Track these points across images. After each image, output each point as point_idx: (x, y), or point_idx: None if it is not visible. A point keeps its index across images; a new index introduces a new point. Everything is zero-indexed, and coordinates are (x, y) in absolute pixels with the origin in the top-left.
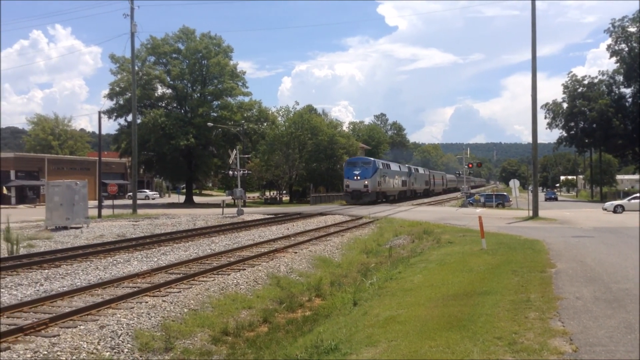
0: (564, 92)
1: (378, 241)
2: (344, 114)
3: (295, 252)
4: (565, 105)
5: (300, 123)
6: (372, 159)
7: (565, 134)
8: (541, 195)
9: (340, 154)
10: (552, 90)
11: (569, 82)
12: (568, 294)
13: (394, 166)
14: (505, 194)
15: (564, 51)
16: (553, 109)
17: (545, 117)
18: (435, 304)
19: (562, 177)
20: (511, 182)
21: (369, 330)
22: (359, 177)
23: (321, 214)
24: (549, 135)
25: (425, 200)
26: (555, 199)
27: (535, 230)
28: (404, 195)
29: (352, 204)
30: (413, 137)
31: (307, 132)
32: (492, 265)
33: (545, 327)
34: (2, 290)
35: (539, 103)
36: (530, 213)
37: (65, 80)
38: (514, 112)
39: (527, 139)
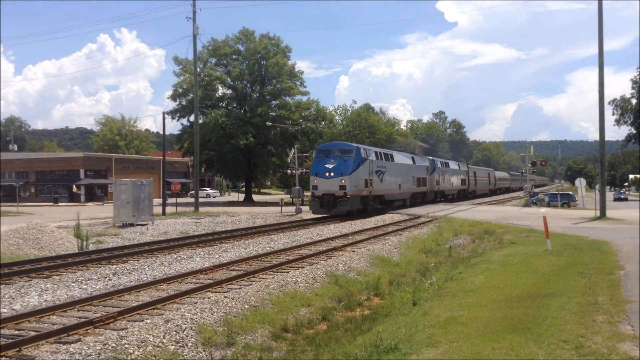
0: (633, 88)
1: (437, 241)
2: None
3: (353, 251)
4: (634, 101)
5: (358, 122)
6: (356, 145)
7: (635, 131)
8: (609, 195)
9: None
10: (620, 85)
11: (637, 77)
12: (638, 297)
13: (400, 157)
14: (570, 193)
15: (632, 45)
16: (621, 105)
17: (613, 114)
18: (498, 305)
19: (631, 176)
20: (577, 181)
21: (429, 331)
22: (332, 174)
23: (378, 213)
24: (617, 133)
25: (462, 205)
26: (625, 199)
27: (603, 231)
28: (415, 200)
29: (322, 214)
30: (473, 135)
31: (364, 131)
32: (557, 267)
33: (614, 331)
34: (73, 284)
35: (607, 99)
36: (598, 213)
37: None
38: (579, 108)
39: (593, 136)
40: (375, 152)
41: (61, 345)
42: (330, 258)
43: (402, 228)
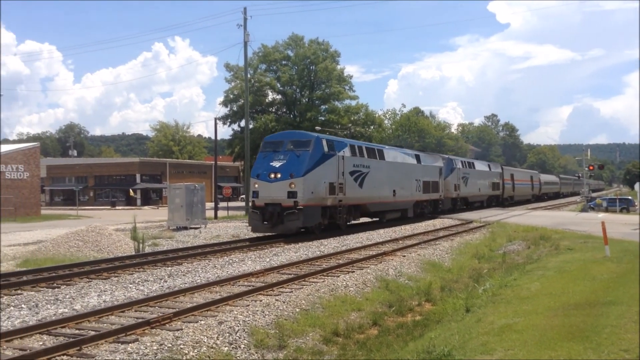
0: None
1: (490, 246)
2: (453, 115)
3: (404, 256)
4: None
5: (407, 125)
6: (316, 134)
7: None
8: None
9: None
10: None
11: None
12: None
13: (394, 154)
14: (630, 197)
15: None
16: None
17: None
18: (555, 313)
19: None
20: (637, 185)
21: (483, 338)
22: (278, 175)
23: (429, 217)
24: None
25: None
26: None
27: None
28: (422, 210)
29: (264, 232)
30: (527, 138)
31: (414, 135)
32: (617, 274)
33: None
34: (130, 285)
35: None
36: None
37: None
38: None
39: None
40: (352, 147)
41: (119, 344)
42: (381, 262)
43: (454, 233)
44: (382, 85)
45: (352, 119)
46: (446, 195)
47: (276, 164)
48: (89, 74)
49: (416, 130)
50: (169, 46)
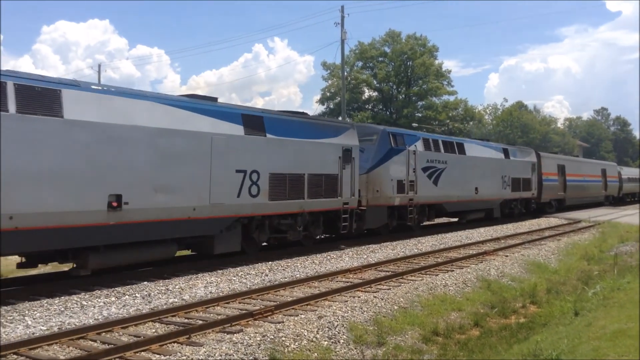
0: None
1: (600, 247)
2: (558, 109)
3: (506, 256)
4: None
5: (510, 121)
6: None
7: None
8: None
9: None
10: None
11: None
12: None
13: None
14: None
15: None
16: None
17: None
18: None
19: None
20: None
21: (594, 343)
22: None
23: (533, 217)
24: None
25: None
26: None
27: None
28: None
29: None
30: None
31: (517, 130)
32: None
33: None
34: (234, 278)
35: None
36: None
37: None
38: None
39: None
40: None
41: (225, 334)
42: (482, 262)
43: (560, 233)
44: (483, 80)
45: (451, 114)
46: (374, 200)
47: None
48: (194, 76)
49: (519, 126)
50: (268, 47)
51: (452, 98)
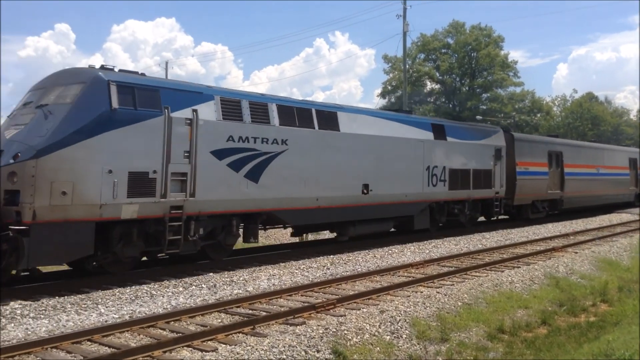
0: None
1: None
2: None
3: (575, 252)
4: None
5: (579, 113)
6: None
7: None
8: None
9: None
10: None
11: None
12: None
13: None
14: None
15: None
16: None
17: None
18: None
19: None
20: None
21: None
22: None
23: (603, 212)
24: None
25: None
26: None
27: None
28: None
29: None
30: None
31: (587, 123)
32: None
33: None
34: (296, 271)
35: None
36: None
37: (343, 82)
38: None
39: None
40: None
41: (288, 326)
42: (549, 259)
43: (633, 229)
44: (551, 70)
45: (517, 106)
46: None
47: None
48: (256, 72)
49: (589, 118)
50: (329, 41)
51: (518, 89)
